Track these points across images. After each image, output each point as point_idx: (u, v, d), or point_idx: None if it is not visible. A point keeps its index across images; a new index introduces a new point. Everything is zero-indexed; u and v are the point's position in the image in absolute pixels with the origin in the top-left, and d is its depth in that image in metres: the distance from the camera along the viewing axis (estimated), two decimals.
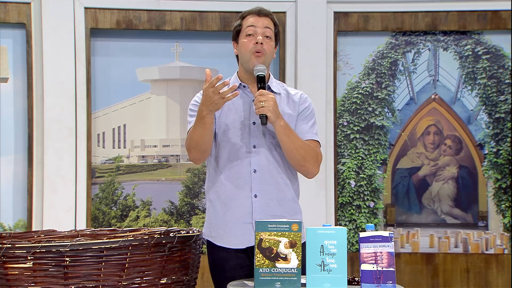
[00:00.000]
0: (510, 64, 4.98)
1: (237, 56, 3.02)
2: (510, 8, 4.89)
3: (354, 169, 4.99)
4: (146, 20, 4.88)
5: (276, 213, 2.90)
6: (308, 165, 2.91)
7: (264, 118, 2.81)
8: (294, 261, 2.48)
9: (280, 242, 2.48)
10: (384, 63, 5.03)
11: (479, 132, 5.01)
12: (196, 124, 2.83)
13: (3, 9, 4.74)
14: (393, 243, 2.46)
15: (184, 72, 5.00)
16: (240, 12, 3.04)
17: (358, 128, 5.01)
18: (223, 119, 2.94)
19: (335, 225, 4.85)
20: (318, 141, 2.99)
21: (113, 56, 4.94)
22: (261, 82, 2.87)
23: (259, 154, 2.91)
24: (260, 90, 2.84)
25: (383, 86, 5.03)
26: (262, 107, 2.79)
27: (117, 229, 3.14)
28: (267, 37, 2.93)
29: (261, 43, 2.90)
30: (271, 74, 3.03)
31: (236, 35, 2.98)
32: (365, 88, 5.02)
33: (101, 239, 2.56)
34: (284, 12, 4.91)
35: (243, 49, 2.94)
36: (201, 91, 3.03)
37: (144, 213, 4.95)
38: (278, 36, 3.02)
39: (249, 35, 2.92)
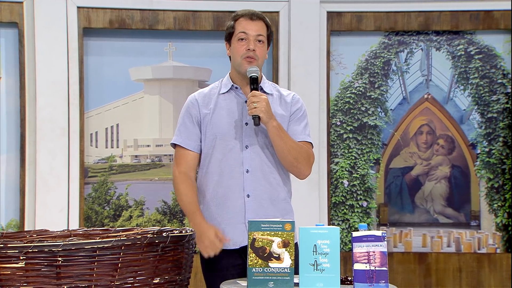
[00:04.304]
0: (502, 64, 5.00)
1: (229, 56, 3.02)
2: (501, 8, 4.91)
3: (347, 169, 5.00)
4: (139, 20, 4.87)
5: (269, 213, 2.90)
6: (300, 166, 2.92)
7: (256, 119, 2.82)
8: (287, 261, 2.48)
9: (273, 241, 2.48)
10: (377, 63, 5.04)
11: (472, 132, 5.02)
12: (183, 205, 2.93)
13: None
14: (385, 242, 2.46)
15: (177, 71, 5.00)
16: (233, 12, 3.04)
17: (351, 127, 5.02)
18: (216, 120, 2.95)
19: (328, 225, 4.86)
20: (310, 142, 3.00)
21: (106, 55, 4.93)
22: (254, 83, 2.88)
23: (252, 154, 2.92)
24: (253, 91, 2.85)
25: (376, 86, 5.04)
26: (255, 108, 2.81)
27: (110, 229, 3.14)
28: (259, 41, 2.94)
29: (253, 49, 2.91)
30: (263, 75, 3.04)
31: (228, 36, 2.99)
32: (358, 88, 5.03)
33: (94, 239, 2.55)
34: (277, 12, 4.91)
35: (235, 53, 2.95)
36: (194, 94, 3.04)
37: (137, 213, 4.95)
38: (271, 38, 3.02)
39: (241, 39, 2.93)
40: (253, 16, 2.95)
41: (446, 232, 5.01)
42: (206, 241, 2.81)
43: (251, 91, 2.87)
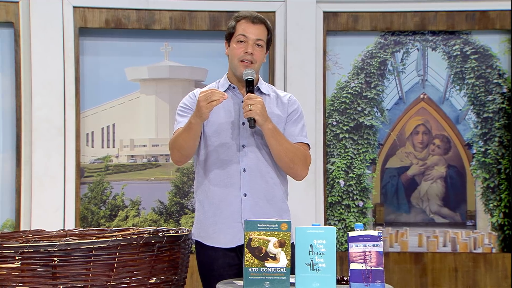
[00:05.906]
0: (498, 64, 5.01)
1: (228, 56, 3.03)
2: (497, 8, 4.92)
3: (343, 169, 5.00)
4: (135, 20, 4.87)
5: (266, 212, 2.91)
6: (297, 167, 2.92)
7: (252, 122, 2.82)
8: (283, 261, 2.48)
9: (269, 241, 2.48)
10: (373, 63, 5.04)
11: (468, 132, 5.03)
12: (184, 129, 2.85)
13: None
14: (382, 242, 2.46)
15: (173, 71, 5.00)
16: (230, 12, 3.05)
17: (347, 127, 5.02)
18: (213, 119, 2.95)
19: (324, 225, 4.86)
20: (307, 143, 3.00)
21: (102, 55, 4.92)
22: (250, 85, 2.88)
23: (249, 154, 2.93)
24: (248, 94, 2.85)
25: (372, 86, 5.04)
26: (250, 110, 2.81)
27: (106, 229, 3.13)
28: (258, 45, 2.94)
29: (251, 53, 2.91)
30: (260, 77, 3.04)
31: (229, 36, 3.00)
32: (354, 88, 5.03)
33: (90, 239, 2.55)
34: (274, 12, 4.91)
35: (233, 54, 2.96)
36: (192, 92, 3.05)
37: (133, 213, 4.94)
38: (270, 41, 3.03)
39: (240, 41, 2.94)
40: (255, 19, 2.95)
41: (442, 232, 5.02)
42: (200, 104, 2.74)
43: (246, 93, 2.87)
